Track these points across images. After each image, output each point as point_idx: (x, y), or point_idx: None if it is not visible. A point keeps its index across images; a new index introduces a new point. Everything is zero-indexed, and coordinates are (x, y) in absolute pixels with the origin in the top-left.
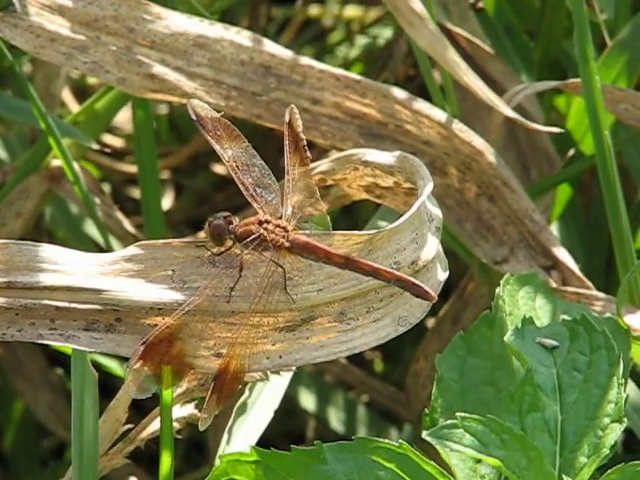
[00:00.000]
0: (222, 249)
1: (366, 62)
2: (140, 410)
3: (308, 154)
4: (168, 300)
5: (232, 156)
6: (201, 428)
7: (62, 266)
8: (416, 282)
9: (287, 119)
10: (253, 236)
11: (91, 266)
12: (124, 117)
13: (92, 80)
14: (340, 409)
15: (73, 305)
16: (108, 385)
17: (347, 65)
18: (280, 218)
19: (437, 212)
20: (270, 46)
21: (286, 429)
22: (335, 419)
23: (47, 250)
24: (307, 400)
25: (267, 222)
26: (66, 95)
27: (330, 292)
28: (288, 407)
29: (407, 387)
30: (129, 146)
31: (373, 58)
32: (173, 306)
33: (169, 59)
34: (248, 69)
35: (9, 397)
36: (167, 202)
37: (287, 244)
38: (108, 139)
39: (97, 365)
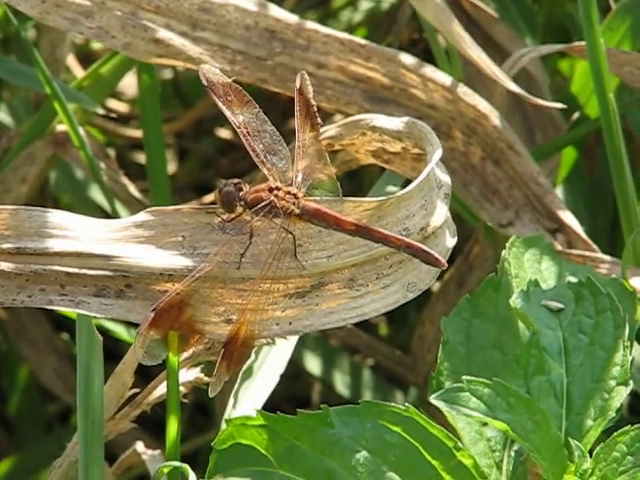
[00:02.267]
0: (232, 216)
1: (370, 26)
2: (146, 375)
3: (319, 120)
4: (178, 266)
5: (243, 122)
6: (211, 395)
7: (72, 232)
8: (426, 249)
9: (298, 85)
10: (263, 203)
11: (101, 232)
12: (128, 82)
13: (96, 46)
14: (345, 373)
15: (83, 271)
16: (113, 350)
17: (351, 30)
18: (290, 185)
19: (446, 178)
20: (275, 11)
21: (291, 393)
22: (340, 383)
23: (57, 216)
24: (312, 364)
25: (277, 189)
26: (70, 61)
27: (340, 258)
28: (293, 371)
29: (412, 351)
30: (133, 111)
31: (377, 22)
32: (183, 272)
33: (174, 24)
34: (253, 33)
35: (14, 362)
36: (171, 167)
37: (297, 211)
38: (112, 104)
39: (102, 329)
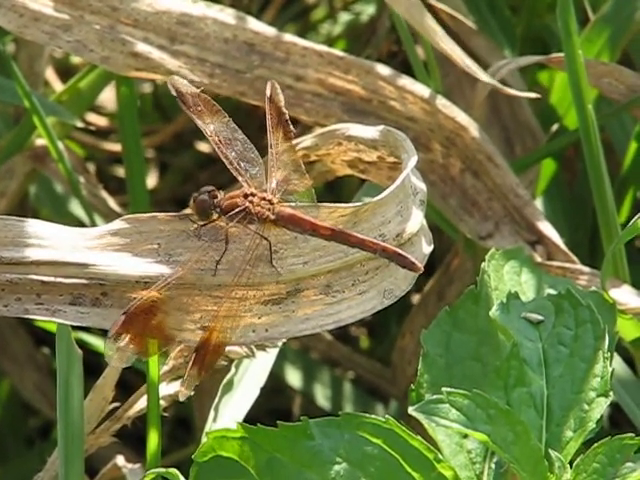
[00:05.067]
0: (207, 221)
1: (349, 39)
2: (126, 388)
3: (291, 128)
4: (154, 274)
5: (214, 131)
6: (181, 399)
7: (48, 241)
8: (402, 253)
9: (268, 94)
10: (238, 209)
11: (77, 240)
12: (108, 96)
13: (76, 59)
14: (326, 386)
15: (59, 280)
16: (94, 363)
17: (330, 42)
18: (265, 191)
19: (421, 185)
20: (253, 24)
21: (272, 406)
22: (321, 396)
23: (33, 225)
24: (293, 377)
25: (252, 195)
26: (50, 74)
27: (316, 265)
28: (274, 384)
29: (393, 363)
30: (113, 125)
31: (356, 35)
32: (159, 279)
33: (152, 37)
34: (232, 47)
35: None
36: (152, 180)
37: (272, 217)
38: (92, 118)
39: (82, 343)
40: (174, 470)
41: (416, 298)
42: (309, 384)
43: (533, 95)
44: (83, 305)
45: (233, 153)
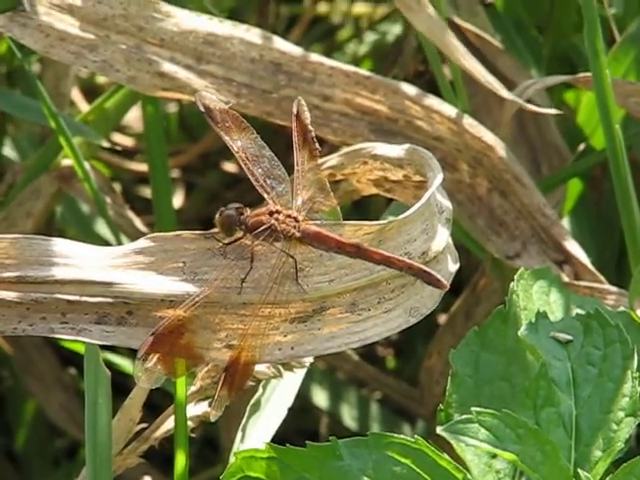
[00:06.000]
0: (232, 239)
1: (375, 59)
2: (154, 409)
3: (317, 146)
4: (179, 292)
5: (241, 147)
6: (212, 419)
7: (73, 260)
8: (427, 270)
9: (295, 111)
10: (264, 226)
11: (102, 259)
12: (134, 116)
13: (101, 79)
14: (353, 406)
15: (84, 298)
16: (121, 384)
17: (356, 62)
18: (290, 208)
19: (447, 204)
20: (280, 43)
21: (299, 426)
22: (348, 416)
23: (58, 244)
24: (320, 397)
25: (278, 212)
26: (75, 95)
27: (341, 282)
28: (301, 404)
29: (420, 383)
30: (139, 145)
31: (382, 55)
32: (184, 298)
33: (179, 57)
34: (258, 67)
35: (21, 397)
36: (178, 200)
37: (298, 234)
38: (118, 138)
39: (110, 364)
40: None
41: (443, 318)
42: (336, 404)
43: (557, 112)
44: (108, 324)
45: (260, 170)
